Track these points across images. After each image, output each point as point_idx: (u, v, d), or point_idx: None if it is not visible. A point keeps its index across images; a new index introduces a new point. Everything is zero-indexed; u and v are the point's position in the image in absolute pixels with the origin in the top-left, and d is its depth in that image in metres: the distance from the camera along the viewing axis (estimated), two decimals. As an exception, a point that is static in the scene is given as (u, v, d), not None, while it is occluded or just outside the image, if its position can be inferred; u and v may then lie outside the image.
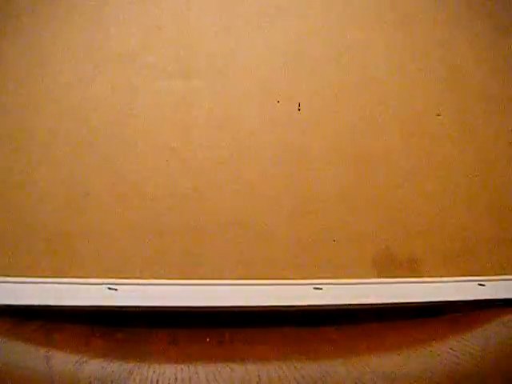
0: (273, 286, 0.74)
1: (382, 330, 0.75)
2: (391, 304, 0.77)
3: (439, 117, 0.86)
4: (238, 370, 0.60)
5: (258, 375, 0.58)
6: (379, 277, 0.79)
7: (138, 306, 0.70)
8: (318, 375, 0.59)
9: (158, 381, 0.56)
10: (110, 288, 0.70)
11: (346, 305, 0.76)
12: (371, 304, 0.76)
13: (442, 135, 0.85)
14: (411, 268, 0.81)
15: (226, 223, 0.76)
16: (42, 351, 0.62)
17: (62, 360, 0.61)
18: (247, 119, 0.79)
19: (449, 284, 0.80)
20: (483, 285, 0.81)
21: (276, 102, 0.81)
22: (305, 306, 0.75)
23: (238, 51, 0.81)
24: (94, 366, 0.59)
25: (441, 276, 0.81)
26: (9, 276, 0.70)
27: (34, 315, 0.70)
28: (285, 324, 0.75)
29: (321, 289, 0.75)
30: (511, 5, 0.92)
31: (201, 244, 0.75)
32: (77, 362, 0.60)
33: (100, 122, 0.76)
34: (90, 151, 0.75)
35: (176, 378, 0.57)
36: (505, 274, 0.83)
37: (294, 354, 0.66)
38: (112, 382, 0.55)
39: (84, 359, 0.60)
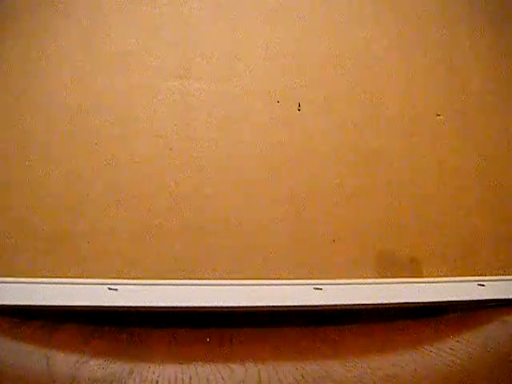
0: (273, 285, 0.74)
1: (382, 329, 0.75)
2: (391, 304, 0.77)
3: (439, 117, 0.86)
4: (237, 370, 0.60)
5: (258, 375, 0.58)
6: (379, 277, 0.79)
7: (139, 306, 0.70)
8: (318, 375, 0.59)
9: (157, 381, 0.56)
10: (110, 288, 0.70)
11: (346, 305, 0.76)
12: (371, 304, 0.76)
13: (441, 135, 0.85)
14: (411, 268, 0.81)
15: (226, 223, 0.76)
16: (42, 351, 0.62)
17: (62, 360, 0.61)
18: (247, 119, 0.79)
19: (449, 284, 0.80)
20: (483, 285, 0.81)
21: (276, 102, 0.81)
22: (305, 305, 0.75)
23: (237, 51, 0.81)
24: (94, 366, 0.59)
25: (441, 276, 0.81)
26: (9, 276, 0.70)
27: (34, 315, 0.70)
28: (285, 324, 0.75)
29: (321, 289, 0.75)
30: (511, 4, 0.92)
31: (201, 244, 0.75)
32: (77, 362, 0.60)
33: (100, 122, 0.76)
34: (90, 151, 0.75)
35: (176, 378, 0.57)
36: (505, 274, 0.83)
37: (294, 353, 0.66)
38: (112, 382, 0.55)
39: (84, 359, 0.60)
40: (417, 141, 0.84)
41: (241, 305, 0.72)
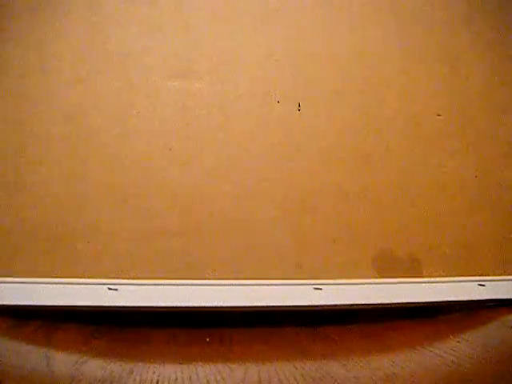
0: (273, 286, 0.74)
1: (381, 330, 0.75)
2: (391, 304, 0.77)
3: (439, 117, 0.86)
4: (237, 370, 0.60)
5: (258, 375, 0.58)
6: (379, 277, 0.79)
7: (138, 306, 0.70)
8: (318, 375, 0.59)
9: (157, 381, 0.56)
10: (110, 288, 0.70)
11: (346, 305, 0.76)
12: (371, 304, 0.76)
13: (441, 135, 0.85)
14: (411, 268, 0.81)
15: (226, 223, 0.76)
16: (42, 351, 0.62)
17: (62, 360, 0.61)
18: (247, 119, 0.79)
19: (449, 284, 0.80)
20: (483, 285, 0.81)
21: (276, 102, 0.81)
22: (305, 306, 0.75)
23: (237, 51, 0.81)
24: (94, 366, 0.59)
25: (441, 276, 0.81)
26: (9, 276, 0.70)
27: (34, 315, 0.70)
28: (285, 324, 0.75)
29: (321, 289, 0.75)
30: (511, 4, 0.92)
31: (201, 244, 0.75)
32: (77, 361, 0.60)
33: (100, 122, 0.76)
34: (90, 151, 0.75)
35: (176, 378, 0.57)
36: (505, 274, 0.83)
37: (294, 353, 0.66)
38: (112, 382, 0.55)
39: (84, 359, 0.60)
40: (417, 141, 0.84)
41: (241, 305, 0.72)
